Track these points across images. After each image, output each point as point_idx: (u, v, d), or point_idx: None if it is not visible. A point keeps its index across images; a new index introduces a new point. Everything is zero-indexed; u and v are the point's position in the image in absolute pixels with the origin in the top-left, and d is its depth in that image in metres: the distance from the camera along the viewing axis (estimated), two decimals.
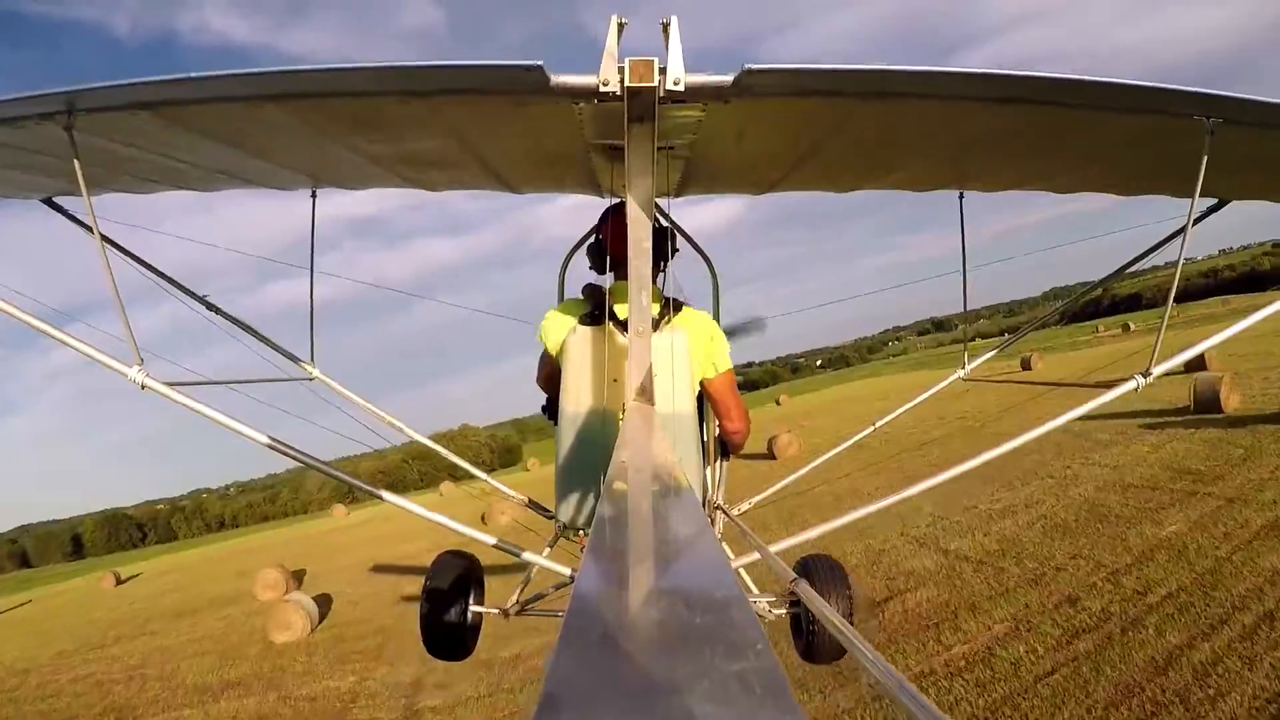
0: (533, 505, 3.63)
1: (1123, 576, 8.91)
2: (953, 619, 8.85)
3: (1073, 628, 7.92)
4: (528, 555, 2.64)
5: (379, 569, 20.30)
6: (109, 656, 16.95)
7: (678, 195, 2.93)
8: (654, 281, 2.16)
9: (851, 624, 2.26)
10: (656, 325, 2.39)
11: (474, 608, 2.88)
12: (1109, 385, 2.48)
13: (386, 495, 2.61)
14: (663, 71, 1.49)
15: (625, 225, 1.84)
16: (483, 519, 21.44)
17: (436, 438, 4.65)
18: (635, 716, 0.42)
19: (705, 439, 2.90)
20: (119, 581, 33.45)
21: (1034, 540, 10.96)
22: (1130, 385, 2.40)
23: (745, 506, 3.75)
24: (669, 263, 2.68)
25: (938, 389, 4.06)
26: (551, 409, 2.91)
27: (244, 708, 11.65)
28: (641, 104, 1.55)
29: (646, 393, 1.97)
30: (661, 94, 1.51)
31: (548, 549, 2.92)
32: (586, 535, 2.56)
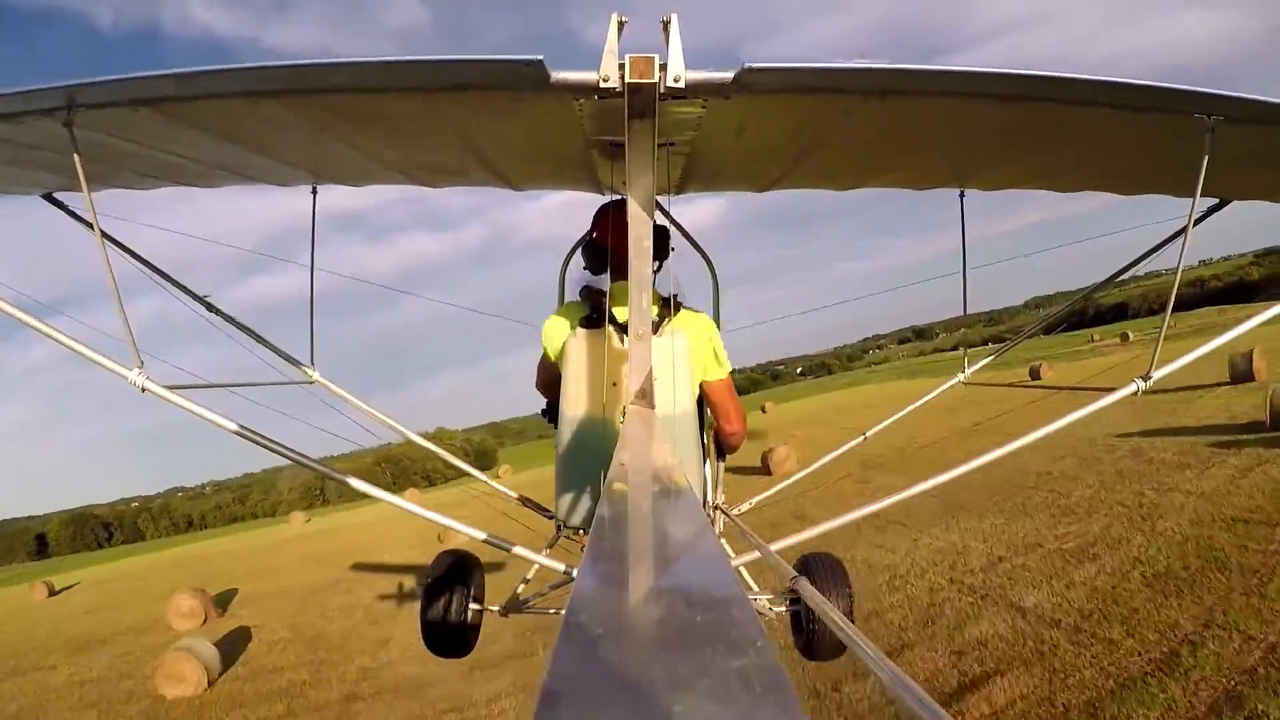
0: (531, 505, 3.63)
1: None
2: None
3: None
4: (528, 554, 2.64)
5: (318, 591, 18.66)
6: None
7: (679, 192, 2.93)
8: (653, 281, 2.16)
9: (851, 621, 2.27)
10: (656, 328, 2.38)
11: (474, 606, 2.90)
12: (1109, 390, 2.49)
13: (387, 496, 2.62)
14: (663, 68, 1.50)
15: (625, 223, 1.84)
16: (439, 539, 19.35)
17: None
18: (635, 713, 0.41)
19: (704, 440, 2.91)
20: (51, 593, 29.19)
21: (1138, 595, 8.17)
22: (1130, 389, 2.42)
23: (745, 506, 3.76)
24: (666, 260, 2.67)
25: (937, 393, 4.07)
26: (551, 413, 2.92)
27: None
28: (642, 100, 1.56)
29: (647, 396, 1.97)
30: (662, 90, 1.52)
31: (547, 549, 2.92)
32: (586, 535, 2.56)
